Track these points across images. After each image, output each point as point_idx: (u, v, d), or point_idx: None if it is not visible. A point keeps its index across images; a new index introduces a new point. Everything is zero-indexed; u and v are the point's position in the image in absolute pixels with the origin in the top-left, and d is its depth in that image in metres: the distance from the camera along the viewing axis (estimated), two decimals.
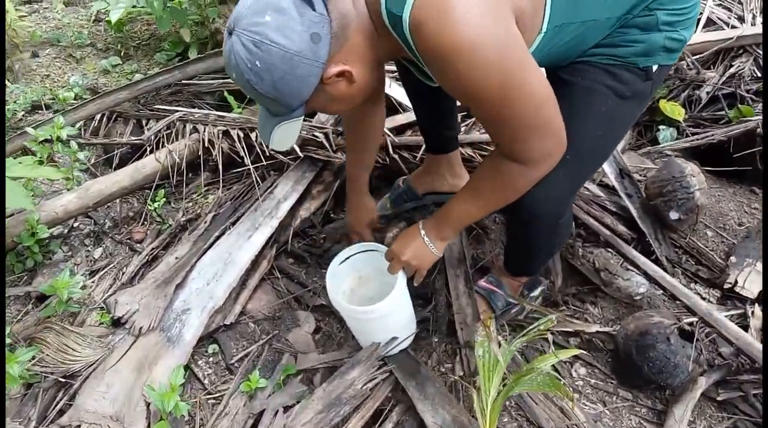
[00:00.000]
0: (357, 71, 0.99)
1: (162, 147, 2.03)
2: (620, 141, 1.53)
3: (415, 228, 1.30)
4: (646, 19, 1.07)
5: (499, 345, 1.46)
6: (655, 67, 1.12)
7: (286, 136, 1.06)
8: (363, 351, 1.45)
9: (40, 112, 2.54)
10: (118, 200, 2.00)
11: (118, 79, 2.83)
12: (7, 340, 1.32)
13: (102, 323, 1.55)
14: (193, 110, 2.17)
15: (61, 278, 1.49)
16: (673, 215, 1.67)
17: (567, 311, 1.64)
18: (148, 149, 2.09)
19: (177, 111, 2.14)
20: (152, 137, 2.10)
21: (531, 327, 1.27)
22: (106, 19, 3.12)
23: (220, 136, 2.01)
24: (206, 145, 2.00)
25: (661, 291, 1.62)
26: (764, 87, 2.14)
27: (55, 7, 3.47)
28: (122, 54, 3.06)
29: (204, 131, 2.02)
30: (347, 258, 1.44)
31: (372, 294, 1.50)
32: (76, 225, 1.95)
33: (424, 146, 1.87)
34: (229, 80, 2.11)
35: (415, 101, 1.68)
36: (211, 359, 1.52)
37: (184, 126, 2.09)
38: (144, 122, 2.25)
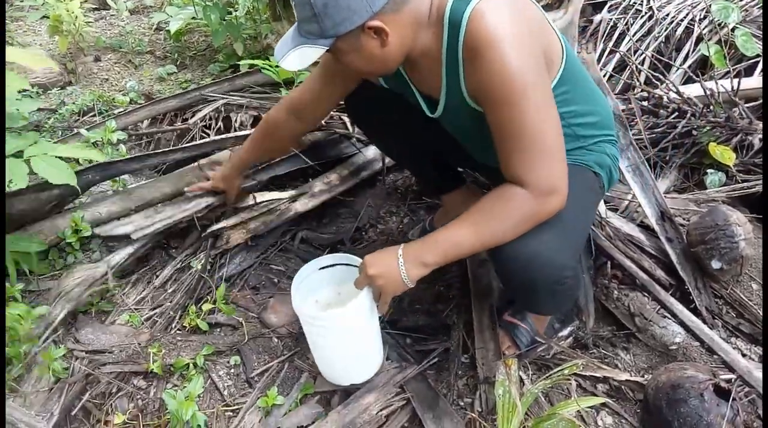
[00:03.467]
0: (392, 39, 1.08)
1: (209, 130, 2.10)
2: (589, 226, 1.59)
3: (396, 247, 1.21)
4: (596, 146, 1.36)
5: (522, 383, 1.42)
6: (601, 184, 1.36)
7: (302, 58, 1.10)
8: (381, 375, 1.45)
9: (93, 113, 2.65)
10: (159, 204, 2.06)
11: (172, 87, 2.94)
12: (45, 333, 1.37)
13: (131, 323, 1.59)
14: (237, 97, 2.21)
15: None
16: (715, 264, 1.60)
17: (597, 354, 1.59)
18: (196, 135, 2.15)
19: (222, 98, 2.19)
20: (198, 122, 2.15)
21: (555, 370, 1.23)
22: (166, 29, 3.25)
23: None
24: None
25: (698, 344, 1.55)
26: (764, 89, 2.04)
27: (120, 15, 3.65)
28: (178, 63, 3.19)
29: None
30: (328, 267, 1.40)
31: None
32: None
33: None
34: (271, 100, 2.17)
35: (409, 148, 1.68)
36: (232, 370, 1.53)
37: (228, 115, 2.15)
38: (191, 115, 2.31)
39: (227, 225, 1.77)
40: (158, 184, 1.92)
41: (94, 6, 3.85)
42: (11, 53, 1.47)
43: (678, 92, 2.13)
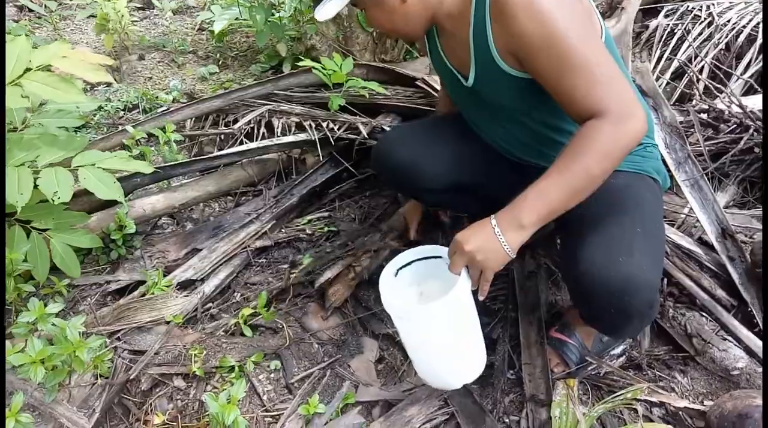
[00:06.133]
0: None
1: (253, 139, 2.11)
2: (664, 232, 1.41)
3: (487, 219, 1.09)
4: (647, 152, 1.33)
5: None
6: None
7: (331, 8, 1.16)
8: (424, 387, 1.40)
9: (138, 110, 2.68)
10: (201, 203, 2.06)
11: (214, 87, 2.95)
12: (81, 328, 1.34)
13: (176, 324, 1.58)
14: (281, 105, 2.19)
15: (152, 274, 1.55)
16: None
17: (651, 376, 1.50)
18: (240, 140, 2.17)
19: (266, 104, 2.19)
20: (243, 127, 2.15)
21: (616, 394, 1.16)
22: (209, 29, 3.27)
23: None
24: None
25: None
26: (764, 85, 1.97)
27: (164, 14, 3.69)
28: (220, 63, 3.20)
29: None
30: (407, 265, 1.24)
31: None
32: (160, 222, 2.02)
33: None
34: (315, 103, 2.18)
35: (457, 175, 1.53)
36: (272, 375, 1.50)
37: (270, 120, 2.15)
38: (232, 121, 2.30)
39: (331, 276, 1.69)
40: (202, 183, 1.92)
41: (139, 5, 3.91)
42: (71, 63, 1.47)
43: (740, 105, 2.03)
